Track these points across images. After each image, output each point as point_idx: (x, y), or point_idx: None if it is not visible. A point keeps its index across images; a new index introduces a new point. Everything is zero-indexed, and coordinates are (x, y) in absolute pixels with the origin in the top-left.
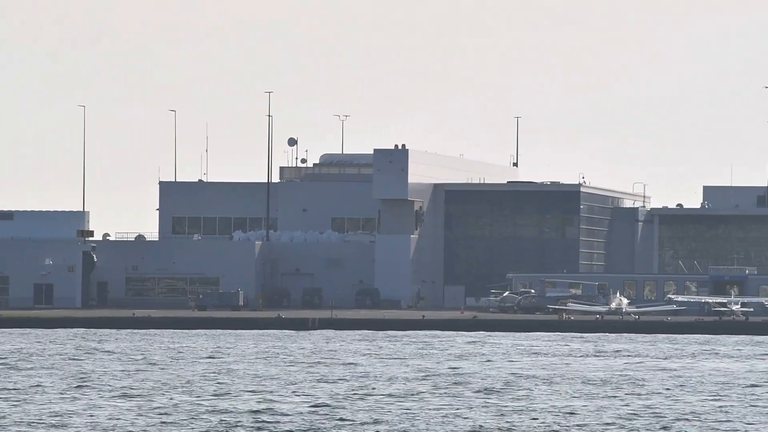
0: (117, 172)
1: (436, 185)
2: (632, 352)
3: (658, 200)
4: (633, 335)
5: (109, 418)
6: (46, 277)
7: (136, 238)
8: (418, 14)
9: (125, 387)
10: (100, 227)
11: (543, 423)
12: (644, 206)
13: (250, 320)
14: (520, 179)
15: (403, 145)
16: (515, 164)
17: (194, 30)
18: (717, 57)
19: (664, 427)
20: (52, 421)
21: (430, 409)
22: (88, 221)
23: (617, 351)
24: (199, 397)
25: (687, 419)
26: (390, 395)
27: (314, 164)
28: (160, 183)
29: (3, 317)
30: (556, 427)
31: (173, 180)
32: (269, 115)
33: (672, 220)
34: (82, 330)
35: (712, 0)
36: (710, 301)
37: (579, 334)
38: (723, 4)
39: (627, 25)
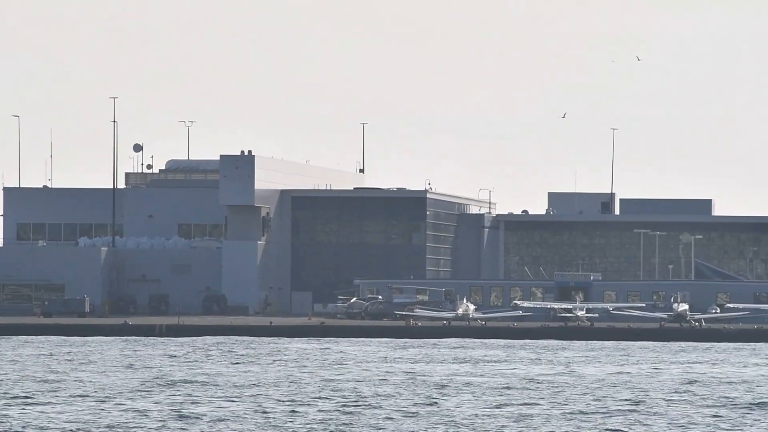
0: None
1: (282, 191)
2: (475, 357)
3: (504, 206)
4: (481, 341)
5: None
6: None
7: None
8: (264, 20)
9: None
10: None
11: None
12: (490, 212)
13: (96, 327)
14: (367, 185)
15: (250, 151)
16: (362, 170)
17: (38, 34)
18: (559, 64)
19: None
20: None
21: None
22: None
23: (470, 357)
24: None
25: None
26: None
27: (160, 170)
28: (4, 189)
29: None
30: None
31: (17, 186)
32: (114, 121)
33: (517, 227)
34: None
35: (532, 14)
36: (556, 306)
37: (428, 340)
38: (543, 14)
39: (468, 30)
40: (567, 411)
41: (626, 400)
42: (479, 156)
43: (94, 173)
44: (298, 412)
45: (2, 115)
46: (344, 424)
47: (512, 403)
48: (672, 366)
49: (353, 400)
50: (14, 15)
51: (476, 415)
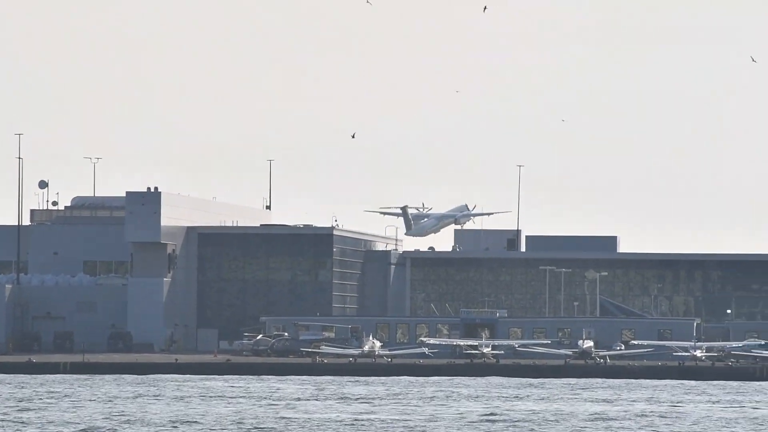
0: None
1: (189, 228)
2: (382, 396)
3: (410, 243)
4: (386, 378)
5: None
6: None
7: None
8: (169, 56)
9: None
10: None
11: None
12: (396, 249)
13: None
14: (273, 222)
15: (156, 188)
16: (268, 207)
17: None
18: (462, 101)
19: None
20: None
21: None
22: None
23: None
24: None
25: None
26: None
27: (66, 207)
28: None
29: None
30: None
31: None
32: (19, 158)
33: (424, 263)
34: None
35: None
36: (461, 343)
37: (329, 377)
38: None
39: (369, 66)
40: None
41: None
42: (385, 193)
43: None
44: None
45: None
46: None
47: None
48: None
49: None
50: None
51: None
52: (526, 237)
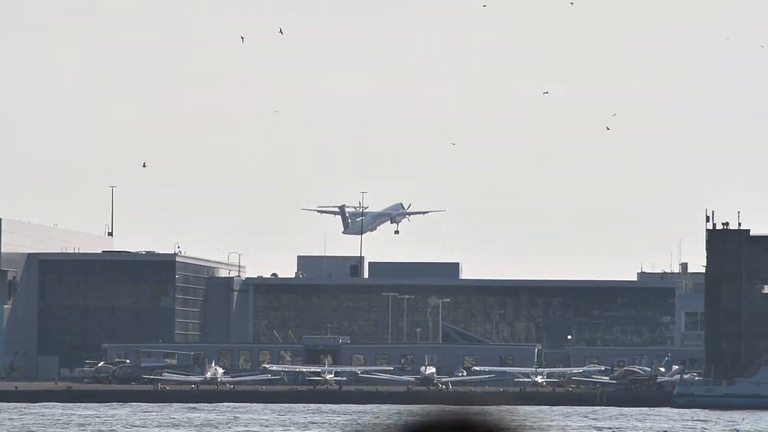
0: None
1: (29, 255)
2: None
3: (254, 270)
4: (229, 404)
5: None
6: None
7: None
8: (4, 80)
9: None
10: None
11: None
12: (239, 276)
13: None
14: (116, 249)
15: None
16: (110, 233)
17: None
18: (295, 129)
19: None
20: None
21: None
22: None
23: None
24: None
25: None
26: None
27: None
28: None
29: None
30: None
31: None
32: None
33: (267, 290)
34: None
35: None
36: (304, 370)
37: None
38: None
39: (212, 95)
40: None
41: None
42: (229, 219)
43: None
44: None
45: None
46: None
47: None
48: None
49: None
50: None
51: None
52: (369, 263)
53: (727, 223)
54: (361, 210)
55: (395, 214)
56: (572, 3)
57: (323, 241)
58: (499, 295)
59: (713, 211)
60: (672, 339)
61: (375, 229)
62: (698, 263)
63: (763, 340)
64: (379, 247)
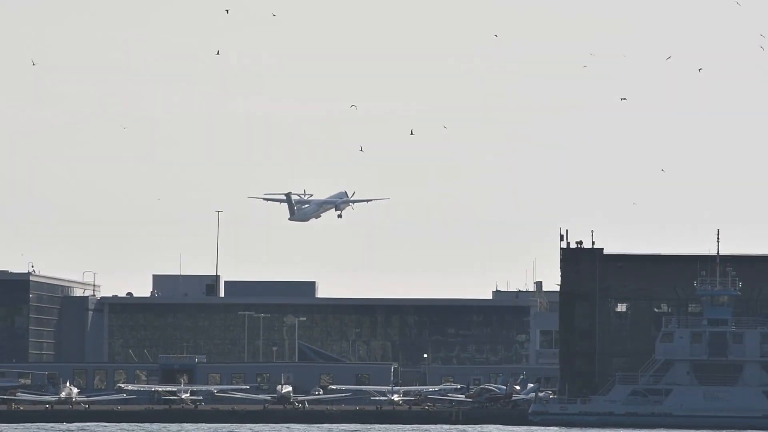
0: None
1: None
2: None
3: (109, 289)
4: (86, 424)
5: None
6: None
7: None
8: None
9: None
10: None
11: None
12: (94, 295)
13: None
14: None
15: None
16: None
17: None
18: (156, 149)
19: None
20: None
21: None
22: None
23: None
24: None
25: None
26: None
27: None
28: None
29: None
30: None
31: None
32: None
33: (122, 309)
34: None
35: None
36: (160, 389)
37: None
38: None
39: (88, 116)
40: None
41: None
42: (84, 238)
43: None
44: None
45: None
46: None
47: None
48: None
49: None
50: None
51: None
52: (225, 282)
53: (581, 242)
54: (305, 197)
55: (339, 202)
56: None
57: (179, 260)
58: (355, 314)
59: (567, 230)
60: (527, 357)
61: (319, 216)
62: (553, 282)
63: (617, 359)
64: (236, 266)
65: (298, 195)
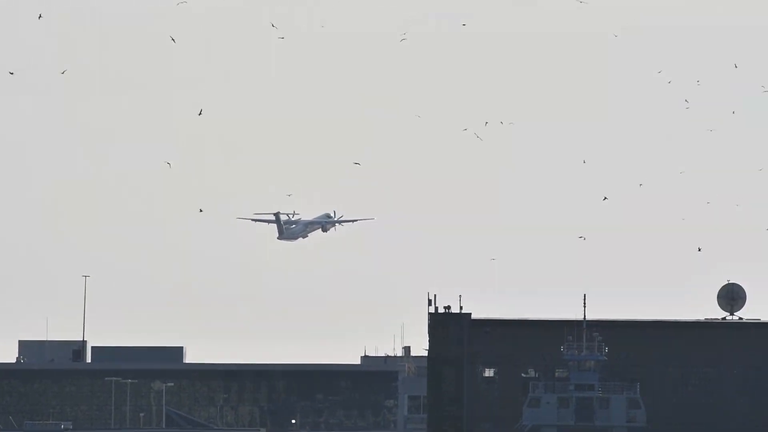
0: None
1: None
2: None
3: None
4: None
5: None
6: None
7: None
8: None
9: None
10: None
11: None
12: None
13: None
14: None
15: None
16: None
17: None
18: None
19: None
20: None
21: None
22: None
23: None
24: None
25: None
26: None
27: None
28: None
29: None
30: None
31: None
32: None
33: None
34: None
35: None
36: None
37: None
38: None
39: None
40: None
41: None
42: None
43: None
44: None
45: None
46: None
47: None
48: None
49: None
50: None
51: None
52: (92, 348)
53: (448, 307)
54: (293, 218)
55: (325, 222)
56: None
57: (45, 325)
58: (223, 379)
59: (435, 295)
60: (395, 423)
61: (306, 236)
62: (421, 346)
63: (485, 423)
64: (103, 331)
65: (287, 215)
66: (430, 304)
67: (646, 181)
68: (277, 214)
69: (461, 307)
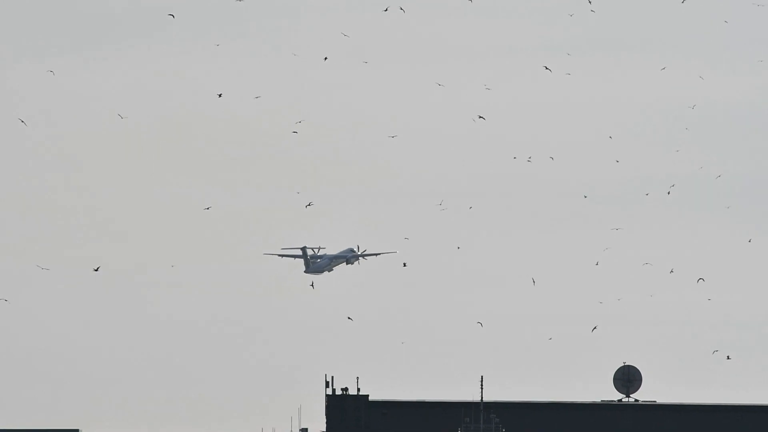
0: None
1: None
2: None
3: None
4: None
5: None
6: None
7: None
8: None
9: None
10: None
11: None
12: None
13: None
14: None
15: None
16: None
17: None
18: None
19: None
20: None
21: None
22: None
23: None
24: None
25: None
26: None
27: None
28: None
29: None
30: None
31: None
32: None
33: None
34: None
35: None
36: None
37: None
38: None
39: None
40: None
41: None
42: None
43: None
44: None
45: None
46: None
47: None
48: None
49: None
50: None
51: None
52: None
53: (346, 389)
54: (318, 252)
55: (350, 256)
56: None
57: None
58: None
59: (333, 377)
60: None
61: (332, 270)
62: (318, 429)
63: None
64: None
65: (312, 249)
66: (327, 386)
67: (537, 270)
68: (303, 249)
69: (359, 389)
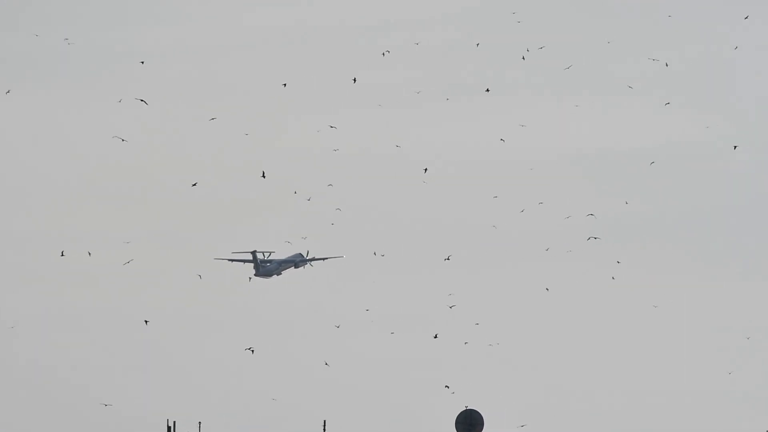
0: None
1: None
2: None
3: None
4: None
5: None
6: None
7: None
8: None
9: None
10: None
11: None
12: None
13: None
14: None
15: None
16: None
17: None
18: None
19: None
20: None
21: None
22: None
23: None
24: None
25: None
26: None
27: None
28: None
29: None
30: None
31: None
32: None
33: None
34: None
35: None
36: None
37: None
38: None
39: None
40: None
41: None
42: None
43: None
44: None
45: None
46: None
47: None
48: None
49: None
50: None
51: None
52: None
53: None
54: (267, 256)
55: (298, 260)
56: None
57: None
58: None
59: None
60: None
61: (281, 274)
62: None
63: None
64: None
65: (262, 253)
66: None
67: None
68: (253, 253)
69: None
